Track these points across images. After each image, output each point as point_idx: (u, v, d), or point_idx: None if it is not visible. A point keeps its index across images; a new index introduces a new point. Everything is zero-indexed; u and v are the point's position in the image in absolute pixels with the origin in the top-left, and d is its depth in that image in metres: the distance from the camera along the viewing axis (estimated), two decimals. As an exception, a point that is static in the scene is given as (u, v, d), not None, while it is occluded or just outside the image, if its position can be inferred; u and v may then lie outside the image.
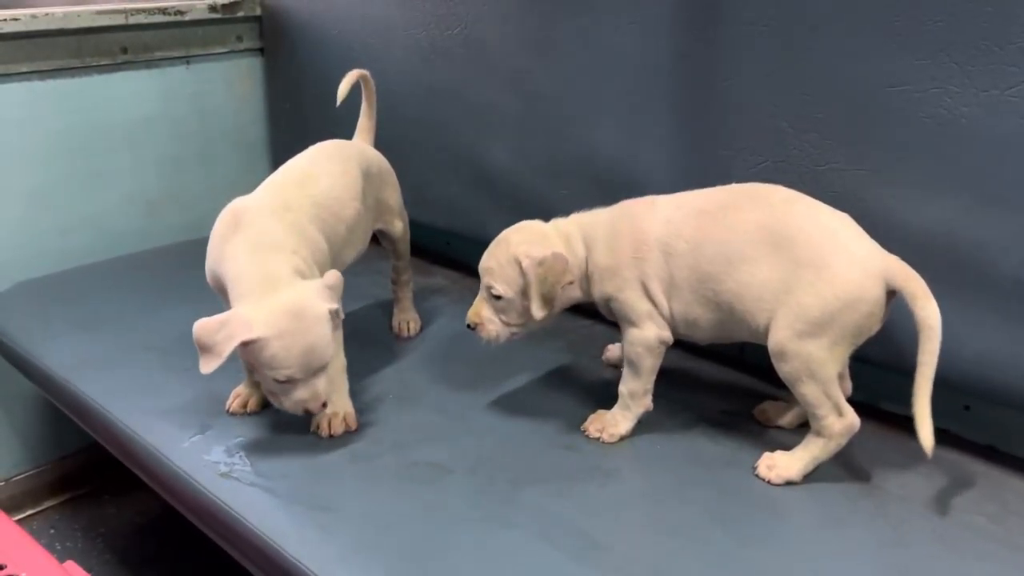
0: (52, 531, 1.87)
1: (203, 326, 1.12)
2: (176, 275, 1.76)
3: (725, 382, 1.41)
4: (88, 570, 1.72)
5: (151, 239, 2.00)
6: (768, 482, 1.14)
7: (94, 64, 1.86)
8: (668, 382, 1.41)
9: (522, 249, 1.18)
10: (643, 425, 1.24)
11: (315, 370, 1.15)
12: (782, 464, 1.15)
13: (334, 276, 1.20)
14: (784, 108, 1.27)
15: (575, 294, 1.24)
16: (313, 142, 1.46)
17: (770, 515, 1.09)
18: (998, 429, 1.25)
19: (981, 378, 1.19)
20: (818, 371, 1.10)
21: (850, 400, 1.34)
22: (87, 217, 1.92)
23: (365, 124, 1.58)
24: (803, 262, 1.08)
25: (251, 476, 1.16)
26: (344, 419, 1.25)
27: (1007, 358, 1.16)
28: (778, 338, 1.10)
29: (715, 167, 1.36)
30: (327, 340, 1.14)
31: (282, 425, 1.28)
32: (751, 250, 1.11)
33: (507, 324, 1.22)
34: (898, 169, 1.19)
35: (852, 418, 1.13)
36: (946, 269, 1.17)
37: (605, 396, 1.28)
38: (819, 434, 1.14)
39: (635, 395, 1.22)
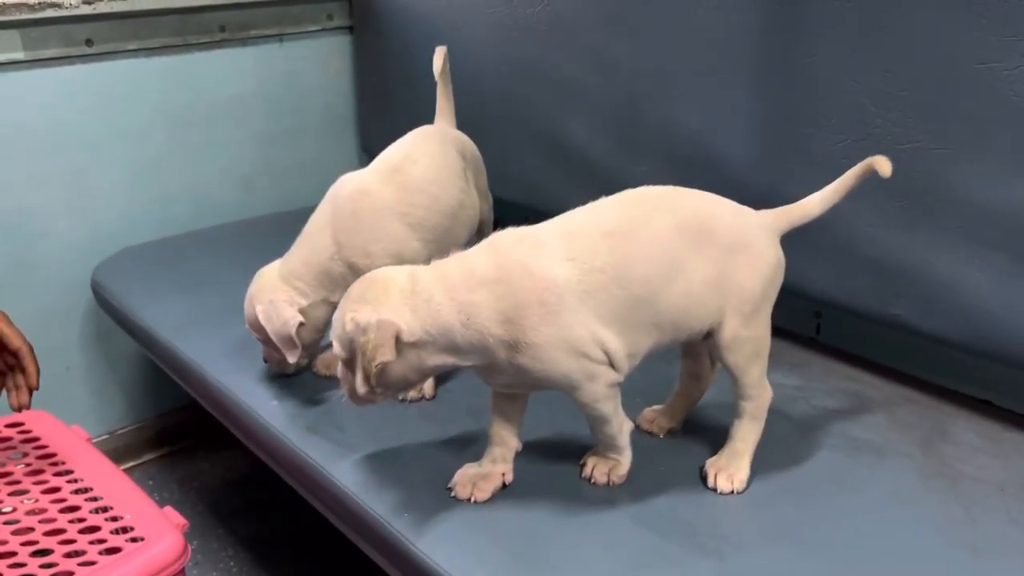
0: (150, 482, 1.99)
1: None
2: (269, 243, 1.81)
3: (798, 360, 1.41)
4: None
5: (246, 210, 2.10)
6: (733, 493, 1.09)
7: (194, 42, 1.95)
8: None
9: (350, 308, 0.98)
10: (710, 398, 1.26)
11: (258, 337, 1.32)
12: (733, 466, 1.11)
13: (287, 323, 1.28)
14: (867, 85, 1.26)
15: (438, 364, 1.01)
16: (400, 118, 1.50)
17: (840, 490, 1.10)
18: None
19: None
20: (763, 348, 1.09)
21: (929, 383, 1.34)
22: (187, 188, 2.02)
23: (446, 106, 1.58)
24: (730, 247, 1.05)
25: (335, 433, 1.23)
26: (422, 388, 1.31)
27: (1095, 343, 1.14)
28: (731, 329, 1.05)
29: (795, 144, 1.36)
30: (249, 321, 1.32)
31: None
32: (679, 257, 1.02)
33: (351, 390, 1.02)
34: (984, 148, 1.16)
35: (770, 387, 1.12)
36: (1030, 249, 1.15)
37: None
38: (753, 417, 1.11)
39: (617, 433, 1.08)
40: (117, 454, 2.02)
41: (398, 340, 0.96)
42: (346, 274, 1.29)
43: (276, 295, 1.30)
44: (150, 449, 2.09)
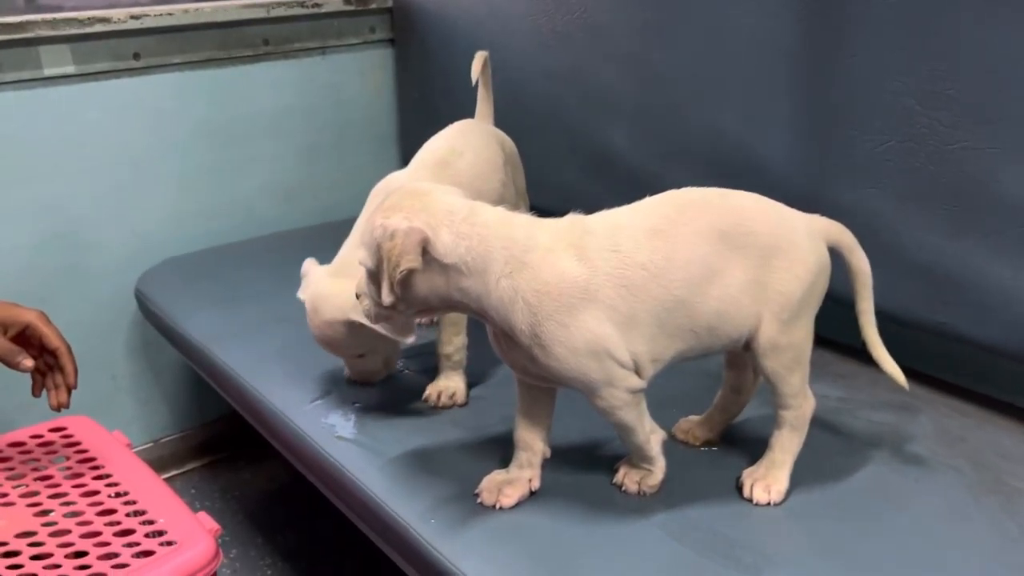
0: (193, 490, 2.01)
1: (304, 266, 1.34)
2: (309, 254, 1.84)
3: (843, 371, 1.36)
4: (223, 527, 1.85)
5: (287, 223, 2.12)
6: (769, 504, 1.05)
7: (238, 55, 1.98)
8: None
9: (382, 214, 0.95)
10: (751, 412, 1.22)
11: (339, 354, 1.27)
12: (771, 476, 1.06)
13: None
14: (913, 85, 1.21)
15: (459, 299, 0.97)
16: (441, 129, 1.50)
17: (886, 505, 1.05)
18: None
19: None
20: (804, 355, 1.05)
21: (981, 395, 1.28)
22: (230, 201, 2.04)
23: (485, 109, 1.59)
24: (770, 251, 1.00)
25: (364, 439, 1.22)
26: (453, 394, 1.30)
27: None
28: (769, 335, 1.01)
29: (839, 148, 1.32)
30: (340, 340, 1.24)
31: (397, 392, 1.34)
32: (719, 260, 0.99)
33: (375, 303, 0.99)
34: (1037, 148, 1.12)
35: (812, 397, 1.08)
36: (1090, 254, 1.10)
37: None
38: (793, 427, 1.07)
39: (644, 444, 1.05)
40: (161, 462, 2.05)
41: (425, 252, 0.93)
42: None
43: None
44: (193, 458, 2.11)
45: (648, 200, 1.04)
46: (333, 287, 1.25)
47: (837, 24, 1.29)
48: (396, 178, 1.35)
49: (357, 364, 1.32)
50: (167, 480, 2.03)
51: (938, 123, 1.19)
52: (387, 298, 0.95)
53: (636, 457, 1.07)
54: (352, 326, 1.21)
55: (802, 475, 1.08)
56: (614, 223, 1.00)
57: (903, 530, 1.01)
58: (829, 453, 1.14)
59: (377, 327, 1.16)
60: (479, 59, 1.56)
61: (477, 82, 1.57)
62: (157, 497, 1.34)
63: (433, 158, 1.37)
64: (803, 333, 1.04)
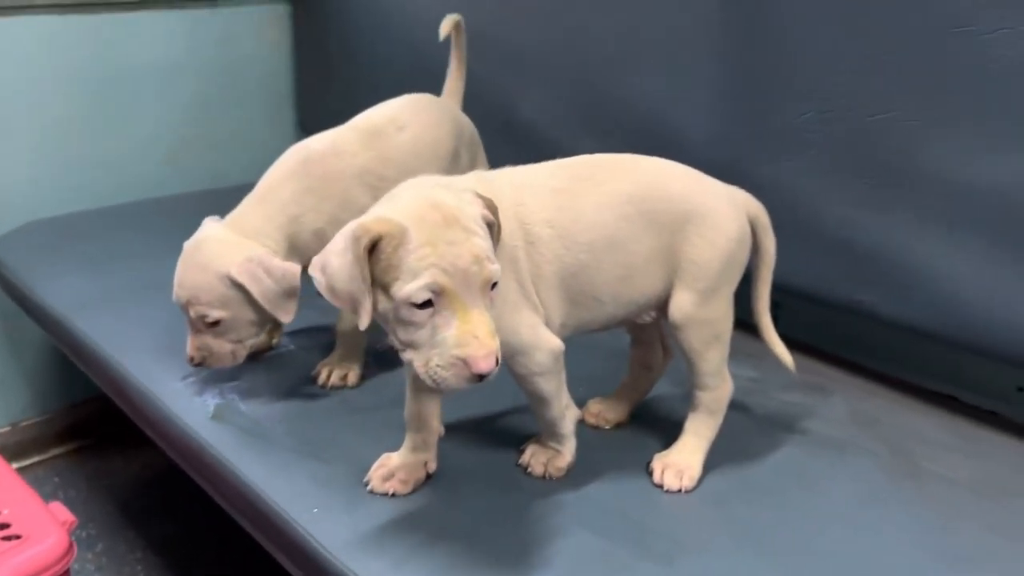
0: (56, 479, 1.83)
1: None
2: (192, 221, 1.69)
3: (754, 351, 1.31)
4: (90, 519, 1.69)
5: (170, 186, 1.95)
6: (681, 491, 0.97)
7: (115, 1, 1.80)
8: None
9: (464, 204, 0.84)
10: (665, 391, 1.15)
11: (194, 311, 1.10)
12: (684, 462, 0.99)
13: (291, 271, 1.10)
14: (842, 52, 1.16)
15: None
16: (341, 95, 1.39)
17: (801, 490, 1.00)
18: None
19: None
20: (723, 332, 1.00)
21: (894, 378, 1.25)
22: (103, 159, 1.86)
23: (454, 85, 1.44)
24: (685, 217, 0.95)
25: (241, 421, 1.10)
26: (346, 375, 1.20)
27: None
28: (684, 309, 0.96)
29: (759, 117, 1.26)
30: (205, 293, 1.09)
31: (281, 370, 1.23)
32: (627, 226, 0.93)
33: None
34: (962, 121, 1.08)
35: (731, 380, 1.03)
36: (1010, 231, 1.06)
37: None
38: (710, 410, 1.01)
39: (559, 419, 0.97)
40: (20, 448, 1.86)
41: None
42: (310, 243, 1.13)
43: (254, 251, 1.09)
44: (58, 444, 1.92)
45: (558, 161, 0.99)
46: (227, 236, 1.12)
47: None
48: (319, 140, 1.21)
49: (203, 337, 1.12)
50: (26, 468, 1.85)
51: (863, 92, 1.15)
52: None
53: (547, 435, 0.99)
54: (226, 283, 1.08)
55: (715, 458, 1.03)
56: (519, 180, 0.95)
57: (819, 517, 0.96)
58: (742, 435, 1.09)
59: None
60: (449, 22, 1.41)
61: (435, 49, 1.45)
62: (2, 485, 1.19)
63: (368, 124, 1.24)
64: (722, 308, 0.99)
